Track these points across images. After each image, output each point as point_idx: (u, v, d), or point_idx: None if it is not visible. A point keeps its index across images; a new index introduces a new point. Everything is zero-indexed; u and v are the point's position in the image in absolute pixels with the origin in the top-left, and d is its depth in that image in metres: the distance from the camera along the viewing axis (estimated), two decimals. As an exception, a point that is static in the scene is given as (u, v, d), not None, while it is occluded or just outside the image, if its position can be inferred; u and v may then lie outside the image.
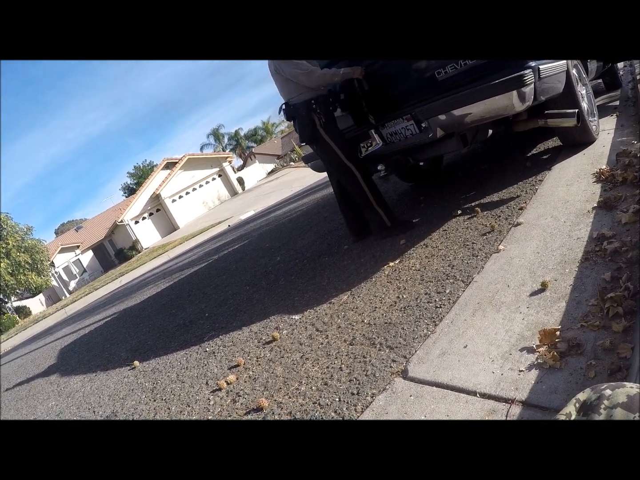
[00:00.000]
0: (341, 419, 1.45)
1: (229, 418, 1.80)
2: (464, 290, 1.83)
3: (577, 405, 0.61)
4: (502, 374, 1.27)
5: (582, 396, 0.62)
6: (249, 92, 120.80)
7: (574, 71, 2.78)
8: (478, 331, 1.52)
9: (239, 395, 1.95)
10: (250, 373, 2.11)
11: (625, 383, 0.58)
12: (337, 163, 2.93)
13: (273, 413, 1.68)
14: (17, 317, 21.90)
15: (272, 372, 2.00)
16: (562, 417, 0.62)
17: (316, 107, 2.80)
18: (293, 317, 2.50)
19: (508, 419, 1.11)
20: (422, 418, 1.27)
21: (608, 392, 0.58)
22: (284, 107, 2.93)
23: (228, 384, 2.10)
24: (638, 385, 0.58)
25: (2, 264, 20.98)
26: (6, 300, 23.44)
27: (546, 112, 2.61)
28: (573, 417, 0.61)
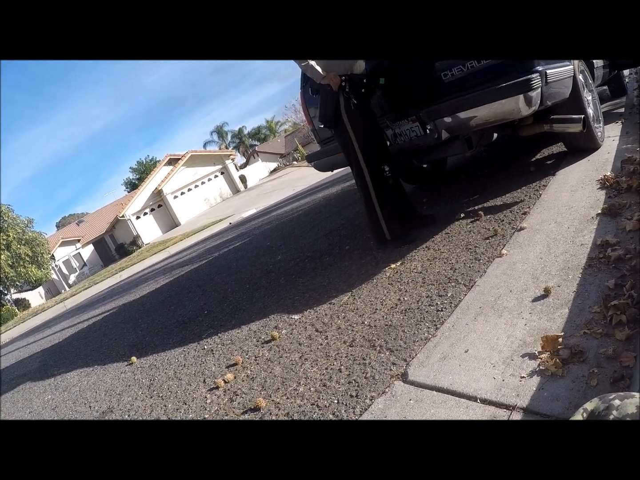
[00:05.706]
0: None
1: (226, 417, 1.79)
2: (465, 294, 1.82)
3: (585, 414, 0.60)
4: (503, 380, 1.26)
5: (589, 406, 0.60)
6: (253, 90, 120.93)
7: (580, 77, 2.76)
8: (479, 336, 1.51)
9: (237, 395, 1.94)
10: (249, 372, 2.10)
11: (635, 394, 0.57)
12: (351, 156, 2.68)
13: (270, 413, 1.66)
14: (16, 310, 21.89)
15: (271, 372, 1.99)
16: (569, 427, 0.60)
17: (346, 85, 2.49)
18: (293, 316, 2.49)
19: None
20: (421, 422, 1.26)
21: (617, 402, 0.57)
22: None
23: (226, 382, 2.09)
24: None
25: (2, 256, 20.97)
26: (5, 292, 23.45)
27: (552, 117, 2.60)
28: None
